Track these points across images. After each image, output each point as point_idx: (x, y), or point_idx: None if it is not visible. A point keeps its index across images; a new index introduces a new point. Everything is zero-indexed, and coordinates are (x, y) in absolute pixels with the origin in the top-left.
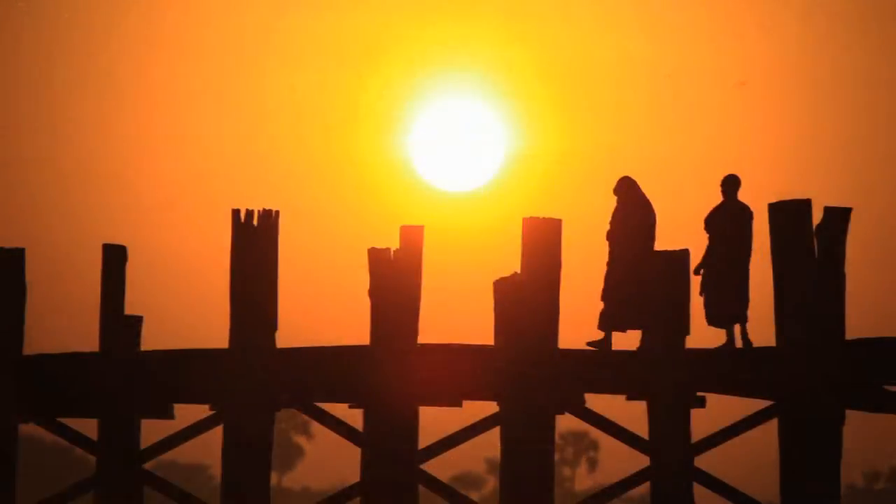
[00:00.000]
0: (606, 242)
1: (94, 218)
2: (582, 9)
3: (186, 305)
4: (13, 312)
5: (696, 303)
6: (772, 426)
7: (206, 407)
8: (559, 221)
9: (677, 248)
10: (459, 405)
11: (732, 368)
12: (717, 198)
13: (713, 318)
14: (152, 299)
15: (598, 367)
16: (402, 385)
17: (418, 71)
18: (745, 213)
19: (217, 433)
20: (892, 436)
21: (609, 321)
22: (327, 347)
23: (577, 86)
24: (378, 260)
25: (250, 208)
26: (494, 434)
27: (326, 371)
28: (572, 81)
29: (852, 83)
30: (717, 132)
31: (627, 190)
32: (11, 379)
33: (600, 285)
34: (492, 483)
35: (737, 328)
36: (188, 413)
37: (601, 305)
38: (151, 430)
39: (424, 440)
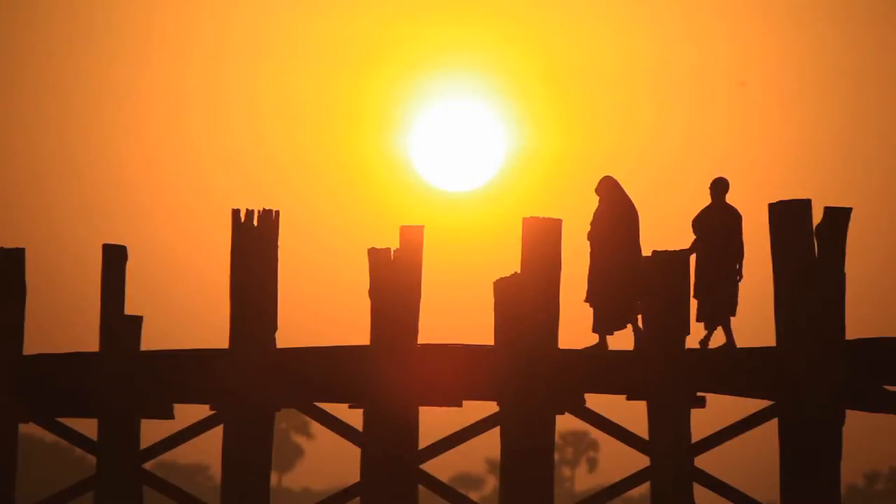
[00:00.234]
0: (588, 242)
1: (94, 218)
2: (582, 9)
3: (186, 305)
4: (13, 312)
5: (696, 303)
6: (772, 426)
7: (206, 407)
8: (559, 221)
9: (677, 247)
10: (459, 405)
11: (732, 368)
12: (726, 196)
13: (700, 318)
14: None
15: (598, 367)
16: (402, 385)
17: (418, 71)
18: (733, 216)
19: (217, 433)
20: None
21: (602, 325)
22: (327, 347)
23: (577, 86)
24: (378, 260)
25: (250, 208)
26: (494, 434)
27: (326, 371)
28: (572, 81)
29: (852, 83)
30: (717, 132)
31: (609, 189)
32: (11, 379)
33: None
34: (492, 483)
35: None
36: (188, 413)
37: (590, 308)
38: (151, 430)
39: (424, 440)
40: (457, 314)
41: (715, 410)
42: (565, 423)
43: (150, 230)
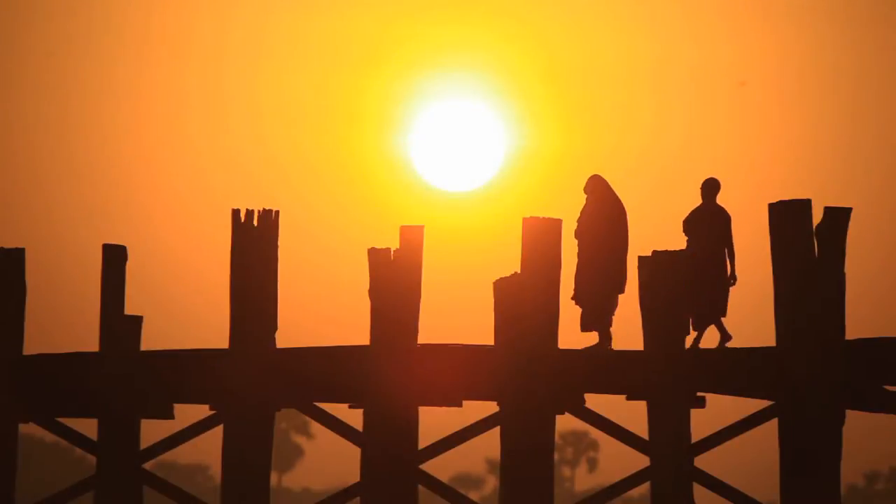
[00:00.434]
0: (575, 241)
1: (94, 218)
2: (582, 9)
3: (186, 305)
4: (13, 312)
5: None
6: (772, 426)
7: (206, 407)
8: (559, 221)
9: (677, 247)
10: (459, 405)
11: (732, 368)
12: (716, 198)
13: (696, 319)
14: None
15: (598, 367)
16: (402, 385)
17: (418, 71)
18: (723, 217)
19: (217, 433)
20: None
21: (589, 323)
22: (327, 347)
23: (577, 86)
24: (378, 260)
25: (250, 208)
26: (494, 434)
27: (326, 371)
28: (572, 81)
29: (852, 83)
30: (717, 132)
31: (597, 188)
32: (11, 379)
33: None
34: (492, 483)
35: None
36: (188, 413)
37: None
38: (151, 430)
39: (424, 440)
40: (457, 314)
41: (715, 410)
42: (565, 423)
43: (150, 230)
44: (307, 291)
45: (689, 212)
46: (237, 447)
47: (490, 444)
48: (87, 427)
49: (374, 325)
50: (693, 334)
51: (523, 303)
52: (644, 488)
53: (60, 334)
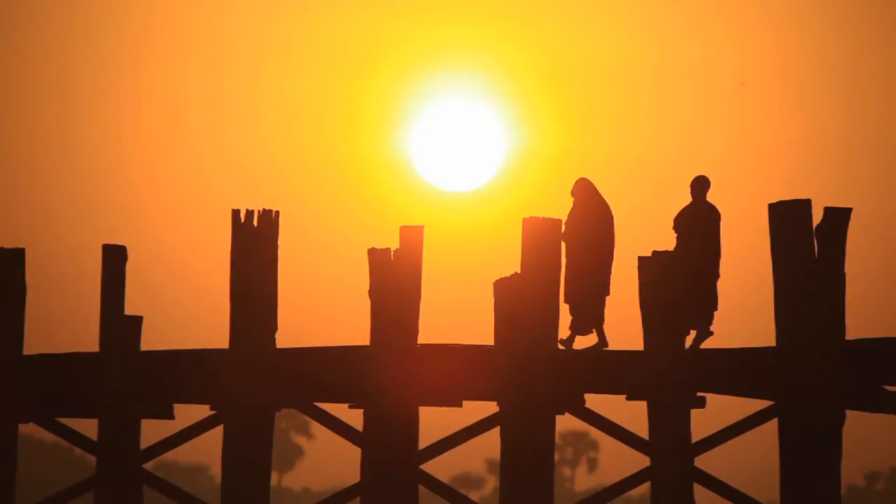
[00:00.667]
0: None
1: (94, 218)
2: (582, 9)
3: (186, 305)
4: (13, 312)
5: None
6: (772, 426)
7: (206, 407)
8: (559, 221)
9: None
10: (459, 405)
11: (732, 368)
12: (715, 198)
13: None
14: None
15: (598, 367)
16: (402, 385)
17: (418, 71)
18: (713, 214)
19: (217, 433)
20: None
21: (580, 325)
22: (327, 347)
23: (577, 86)
24: (378, 260)
25: (250, 208)
26: (494, 434)
27: (326, 371)
28: (572, 81)
29: (852, 83)
30: (717, 132)
31: (584, 191)
32: (11, 379)
33: None
34: (492, 483)
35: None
36: (188, 413)
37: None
38: (151, 430)
39: (424, 440)
40: (457, 314)
41: (715, 410)
42: (565, 423)
43: (150, 230)
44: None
45: (679, 210)
46: (237, 447)
47: (490, 444)
48: (87, 427)
49: (374, 325)
50: (693, 334)
51: (523, 303)
52: (644, 488)
53: (60, 334)
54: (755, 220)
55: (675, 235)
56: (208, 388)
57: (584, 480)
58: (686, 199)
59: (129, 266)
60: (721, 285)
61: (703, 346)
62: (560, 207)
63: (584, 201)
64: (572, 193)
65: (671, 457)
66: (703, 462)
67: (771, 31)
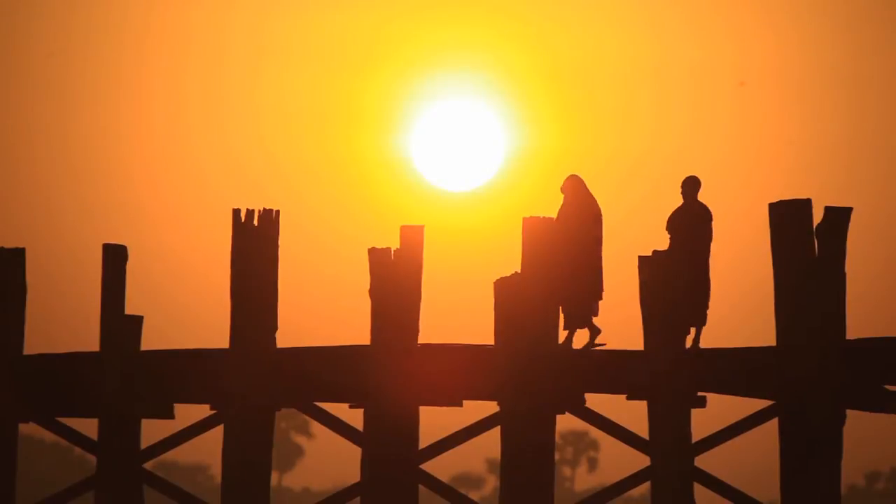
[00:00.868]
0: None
1: (94, 218)
2: (582, 9)
3: (186, 305)
4: (13, 312)
5: None
6: (772, 426)
7: (206, 407)
8: None
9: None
10: (459, 405)
11: (732, 368)
12: (715, 198)
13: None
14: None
15: (598, 367)
16: (402, 385)
17: (418, 71)
18: (705, 214)
19: (217, 433)
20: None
21: (570, 322)
22: (327, 347)
23: (577, 85)
24: (378, 260)
25: (250, 208)
26: (494, 434)
27: (326, 371)
28: (572, 81)
29: (852, 83)
30: (717, 132)
31: (574, 188)
32: (11, 379)
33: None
34: (492, 483)
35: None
36: (188, 413)
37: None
38: (151, 430)
39: (424, 440)
40: (457, 314)
41: (715, 410)
42: (565, 423)
43: (150, 230)
44: (307, 291)
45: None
46: (237, 447)
47: (490, 444)
48: (87, 427)
49: (374, 325)
50: (693, 333)
51: (523, 303)
52: (644, 488)
53: (60, 334)
54: (755, 220)
55: (668, 237)
56: (208, 388)
57: (584, 480)
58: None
59: (129, 266)
60: (721, 285)
61: (703, 346)
62: (559, 207)
63: (573, 199)
64: (562, 190)
65: (671, 457)
66: (703, 462)
67: (771, 31)
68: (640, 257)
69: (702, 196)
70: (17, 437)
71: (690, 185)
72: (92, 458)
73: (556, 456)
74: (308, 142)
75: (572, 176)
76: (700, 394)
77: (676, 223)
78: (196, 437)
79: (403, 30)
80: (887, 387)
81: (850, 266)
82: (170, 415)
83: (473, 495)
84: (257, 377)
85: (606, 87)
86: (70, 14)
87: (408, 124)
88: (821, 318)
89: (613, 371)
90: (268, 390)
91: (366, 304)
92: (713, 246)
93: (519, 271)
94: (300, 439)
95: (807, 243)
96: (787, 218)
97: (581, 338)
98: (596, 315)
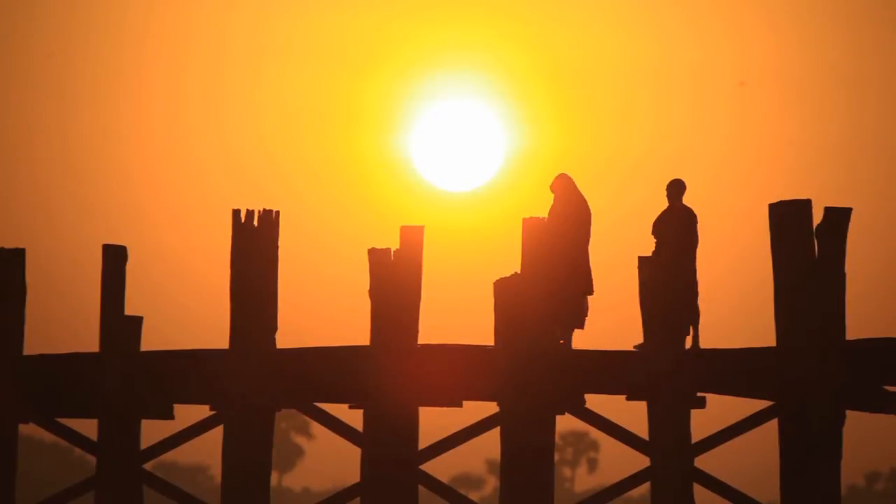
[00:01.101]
0: None
1: (94, 218)
2: (582, 9)
3: (186, 305)
4: (13, 312)
5: None
6: (772, 426)
7: (206, 407)
8: None
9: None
10: (459, 405)
11: (732, 368)
12: (715, 198)
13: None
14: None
15: (598, 367)
16: (402, 385)
17: (418, 71)
18: (690, 217)
19: (217, 433)
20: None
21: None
22: (327, 347)
23: (577, 86)
24: (378, 260)
25: (250, 208)
26: (494, 434)
27: (326, 371)
28: (572, 81)
29: (852, 83)
30: (717, 132)
31: (564, 187)
32: (11, 379)
33: (601, 285)
34: (492, 483)
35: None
36: (188, 413)
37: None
38: (151, 430)
39: (424, 440)
40: (457, 314)
41: (715, 410)
42: (565, 423)
43: (150, 230)
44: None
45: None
46: (237, 447)
47: (490, 444)
48: (87, 427)
49: (374, 325)
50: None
51: (523, 303)
52: (644, 488)
53: (60, 334)
54: (755, 220)
55: (654, 240)
56: (208, 388)
57: (584, 481)
58: (686, 198)
59: (129, 266)
60: (721, 285)
61: (703, 346)
62: None
63: (564, 198)
64: (552, 189)
65: (671, 457)
66: (703, 462)
67: (771, 31)
68: (640, 258)
69: (703, 196)
70: (17, 438)
71: (675, 189)
72: (92, 459)
73: (556, 456)
74: (308, 142)
75: (562, 175)
76: (700, 394)
77: (662, 226)
78: (196, 438)
79: (403, 30)
80: (887, 387)
81: (850, 266)
82: (170, 415)
83: (473, 496)
84: (257, 377)
85: (606, 87)
86: (70, 14)
87: (408, 124)
88: (821, 319)
89: (613, 371)
90: (268, 391)
91: (366, 305)
92: (710, 248)
93: (519, 272)
94: (300, 439)
95: (807, 244)
96: (787, 218)
97: (578, 338)
98: (586, 315)
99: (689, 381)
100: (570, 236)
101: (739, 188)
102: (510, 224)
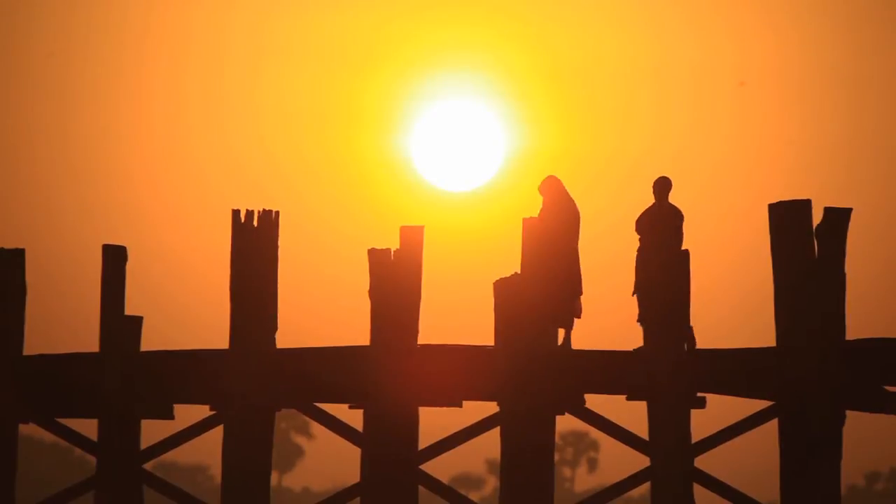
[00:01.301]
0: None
1: (94, 218)
2: (582, 9)
3: (186, 305)
4: (13, 312)
5: (696, 303)
6: (772, 426)
7: (206, 407)
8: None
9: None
10: (459, 405)
11: (732, 368)
12: (715, 198)
13: (645, 319)
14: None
15: (598, 367)
16: (402, 385)
17: (418, 71)
18: (676, 216)
19: (217, 433)
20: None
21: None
22: (327, 347)
23: (577, 86)
24: (378, 260)
25: (250, 208)
26: (494, 434)
27: (326, 371)
28: (572, 81)
29: (852, 83)
30: (717, 132)
31: (552, 189)
32: (11, 379)
33: (601, 285)
34: (492, 483)
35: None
36: (188, 413)
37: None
38: (151, 430)
39: (424, 440)
40: (457, 314)
41: (715, 410)
42: (565, 423)
43: (150, 230)
44: (307, 291)
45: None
46: (237, 447)
47: (490, 444)
48: (87, 427)
49: (374, 325)
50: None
51: (523, 303)
52: (644, 488)
53: (60, 334)
54: (755, 220)
55: (638, 237)
56: (208, 388)
57: (584, 481)
58: (685, 198)
59: (129, 266)
60: (721, 285)
61: (700, 346)
62: None
63: (552, 200)
64: (540, 191)
65: (671, 457)
66: (703, 462)
67: (771, 31)
68: (638, 259)
69: (703, 196)
70: (17, 438)
71: (661, 186)
72: (92, 459)
73: (556, 456)
74: (308, 142)
75: (550, 177)
76: (700, 394)
77: (646, 223)
78: (196, 438)
79: (403, 30)
80: (887, 387)
81: (850, 266)
82: (170, 415)
83: (473, 496)
84: (257, 377)
85: (606, 87)
86: (70, 14)
87: (408, 124)
88: (821, 319)
89: (613, 371)
90: (268, 391)
91: (366, 305)
92: (710, 248)
93: (519, 272)
94: (300, 439)
95: (807, 244)
96: (787, 219)
97: (578, 338)
98: (579, 316)
99: (689, 381)
100: (560, 237)
101: (739, 188)
102: (510, 224)
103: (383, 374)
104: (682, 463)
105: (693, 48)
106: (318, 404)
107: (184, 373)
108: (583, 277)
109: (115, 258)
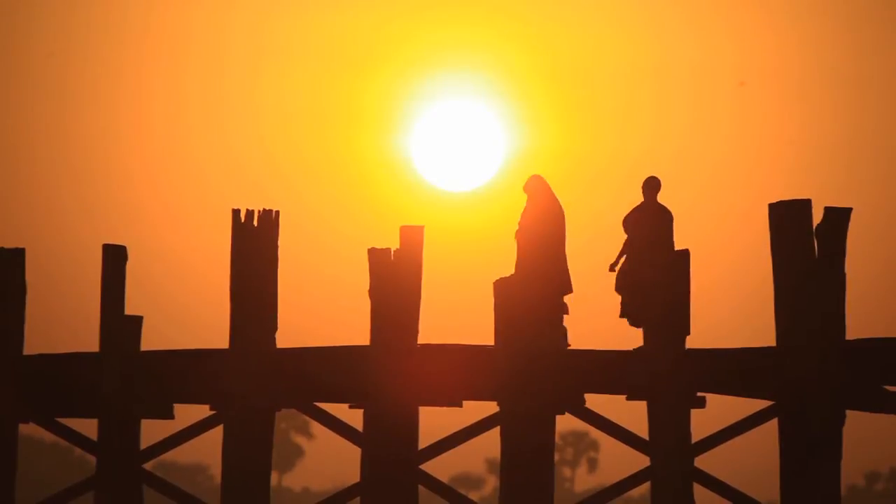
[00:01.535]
0: (516, 241)
1: (94, 218)
2: (582, 9)
3: (186, 305)
4: (13, 312)
5: (696, 303)
6: (772, 426)
7: (206, 407)
8: None
9: (680, 247)
10: (459, 405)
11: (732, 368)
12: (714, 198)
13: (629, 317)
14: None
15: (598, 367)
16: (402, 385)
17: (418, 71)
18: (665, 216)
19: (217, 433)
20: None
21: None
22: (327, 347)
23: (577, 86)
24: (378, 260)
25: (250, 208)
26: (494, 434)
27: (326, 371)
28: (572, 81)
29: (852, 83)
30: (717, 132)
31: (537, 189)
32: (11, 379)
33: (601, 285)
34: (492, 483)
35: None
36: (188, 413)
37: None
38: (151, 430)
39: (424, 440)
40: (457, 314)
41: (715, 410)
42: (565, 423)
43: (150, 230)
44: (307, 291)
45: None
46: (237, 447)
47: (490, 444)
48: (87, 427)
49: (374, 325)
50: (692, 334)
51: (523, 303)
52: (644, 488)
53: (60, 334)
54: (755, 220)
55: (626, 236)
56: (208, 388)
57: (584, 480)
58: (685, 198)
59: (129, 266)
60: (721, 285)
61: (700, 346)
62: None
63: (537, 199)
64: (525, 190)
65: (671, 457)
66: (703, 462)
67: (771, 31)
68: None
69: (703, 196)
70: (17, 437)
71: (650, 186)
72: (92, 459)
73: (556, 456)
74: (308, 142)
75: (535, 176)
76: (700, 394)
77: (633, 222)
78: (196, 438)
79: (403, 30)
80: (887, 387)
81: (850, 266)
82: (170, 415)
83: (473, 495)
84: (257, 377)
85: (606, 87)
86: (70, 14)
87: (408, 124)
88: (821, 319)
89: (613, 371)
90: (268, 391)
91: (366, 305)
92: (710, 248)
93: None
94: (300, 439)
95: (807, 244)
96: (787, 218)
97: (578, 338)
98: (567, 313)
99: (689, 381)
100: (545, 237)
101: (739, 188)
102: (510, 224)
103: (383, 373)
104: (682, 463)
105: (693, 48)
106: (318, 404)
107: (184, 373)
108: (582, 278)
109: (115, 258)
